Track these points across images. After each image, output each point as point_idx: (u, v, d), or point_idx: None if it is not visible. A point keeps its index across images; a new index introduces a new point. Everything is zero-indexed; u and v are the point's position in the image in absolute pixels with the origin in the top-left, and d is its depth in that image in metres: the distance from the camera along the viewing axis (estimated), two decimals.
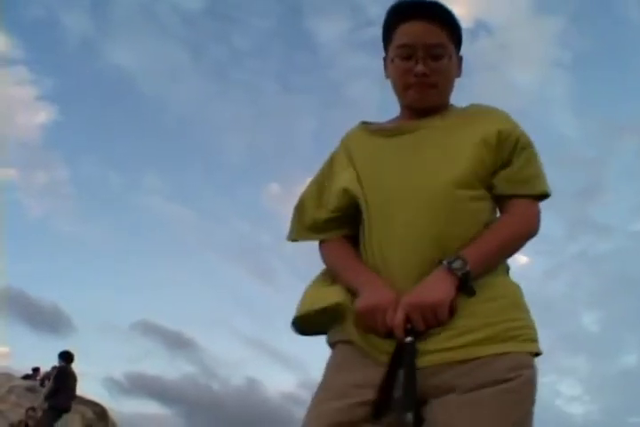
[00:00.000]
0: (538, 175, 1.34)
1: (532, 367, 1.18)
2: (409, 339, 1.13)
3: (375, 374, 1.17)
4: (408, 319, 1.14)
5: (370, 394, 1.15)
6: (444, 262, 1.18)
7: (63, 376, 8.30)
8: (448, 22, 1.35)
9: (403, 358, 1.12)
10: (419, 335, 1.13)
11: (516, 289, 1.30)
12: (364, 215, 1.33)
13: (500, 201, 1.34)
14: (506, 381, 1.13)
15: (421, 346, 1.15)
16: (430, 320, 1.14)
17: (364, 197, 1.33)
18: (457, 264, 1.17)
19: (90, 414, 13.77)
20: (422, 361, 1.14)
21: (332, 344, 1.33)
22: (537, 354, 1.22)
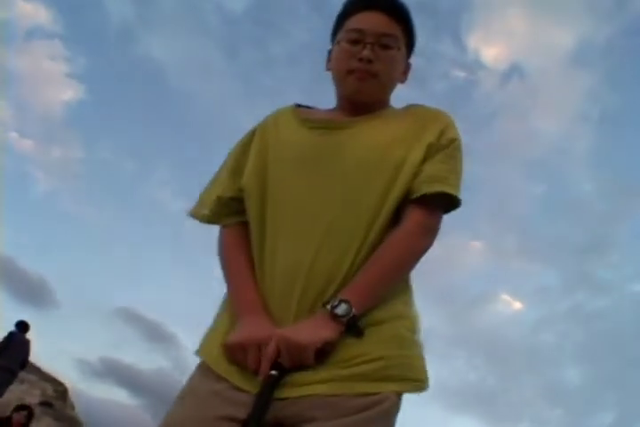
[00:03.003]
0: (445, 177, 1.22)
1: (394, 402, 1.11)
2: (274, 372, 1.09)
3: (244, 397, 1.10)
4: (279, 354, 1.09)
5: (240, 413, 1.08)
6: (328, 307, 1.10)
7: (8, 340, 8.51)
8: (404, 20, 1.33)
9: (262, 389, 1.08)
10: (286, 372, 1.09)
11: (405, 323, 1.19)
12: (255, 218, 1.25)
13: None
14: (364, 412, 1.06)
15: (289, 378, 1.09)
16: (296, 361, 1.08)
17: (264, 198, 1.25)
18: (341, 310, 1.09)
19: (50, 391, 13.78)
20: (288, 392, 1.08)
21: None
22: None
